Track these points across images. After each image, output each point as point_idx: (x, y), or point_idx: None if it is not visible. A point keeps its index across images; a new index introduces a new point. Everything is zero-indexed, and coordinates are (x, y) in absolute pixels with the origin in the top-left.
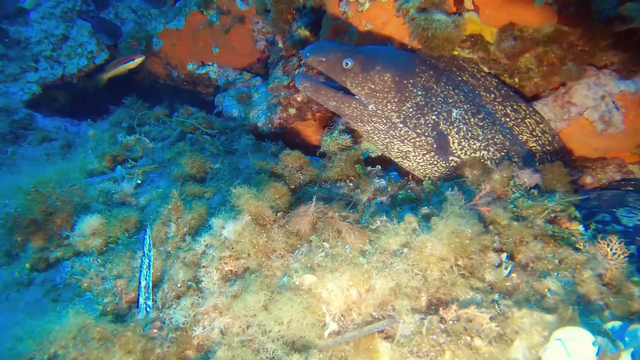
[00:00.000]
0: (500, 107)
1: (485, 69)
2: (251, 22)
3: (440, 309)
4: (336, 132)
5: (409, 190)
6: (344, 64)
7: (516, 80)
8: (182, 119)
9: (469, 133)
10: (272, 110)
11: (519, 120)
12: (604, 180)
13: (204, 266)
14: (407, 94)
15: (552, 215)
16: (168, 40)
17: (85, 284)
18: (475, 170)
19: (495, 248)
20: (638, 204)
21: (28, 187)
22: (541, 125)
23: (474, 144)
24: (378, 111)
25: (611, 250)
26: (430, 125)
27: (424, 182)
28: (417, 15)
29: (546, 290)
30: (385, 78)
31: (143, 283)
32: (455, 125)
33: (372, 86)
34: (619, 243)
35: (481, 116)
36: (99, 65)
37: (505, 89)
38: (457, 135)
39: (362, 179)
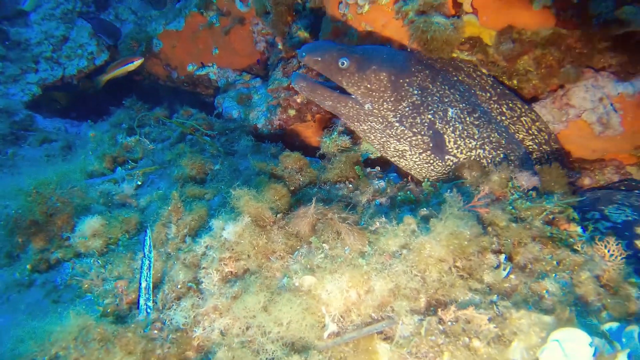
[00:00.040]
0: (495, 105)
1: (484, 71)
2: (251, 23)
3: (439, 310)
4: (335, 133)
5: (408, 192)
6: (339, 63)
7: (515, 82)
8: (182, 120)
9: (465, 132)
10: (271, 111)
11: (515, 118)
12: (602, 181)
13: (204, 267)
14: (403, 93)
15: (550, 216)
16: (168, 42)
17: (86, 285)
18: (473, 172)
19: (494, 249)
20: (627, 201)
21: (29, 188)
22: (537, 124)
23: (470, 142)
24: (374, 110)
25: (609, 251)
26: (426, 124)
27: (423, 184)
28: (416, 18)
29: (544, 291)
30: (381, 77)
31: (143, 284)
32: (451, 124)
33: (368, 85)
34: (616, 245)
35: (477, 115)
36: (99, 66)
37: (501, 87)
38: (453, 134)
39: (361, 181)
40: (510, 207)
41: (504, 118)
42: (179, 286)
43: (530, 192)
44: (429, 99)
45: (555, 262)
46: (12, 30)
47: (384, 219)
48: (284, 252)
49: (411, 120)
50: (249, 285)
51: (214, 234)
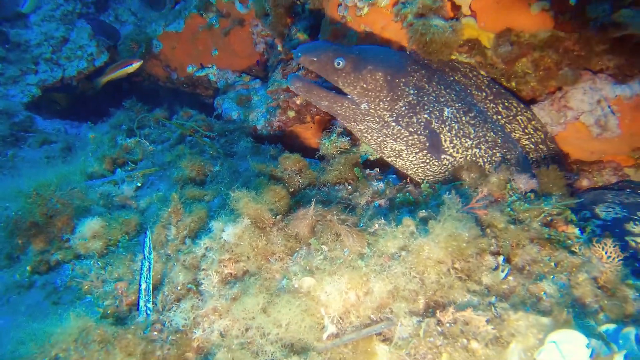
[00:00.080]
0: (491, 105)
1: (483, 73)
2: (250, 25)
3: (438, 311)
4: (334, 135)
5: (407, 194)
6: (335, 63)
7: (513, 84)
8: (181, 121)
9: (461, 131)
10: (271, 113)
11: (511, 117)
12: (600, 183)
13: (203, 269)
14: (399, 93)
15: (549, 218)
16: (168, 43)
17: (86, 287)
18: (472, 174)
19: (492, 251)
20: (616, 200)
21: (29, 190)
22: (533, 122)
23: (466, 142)
24: (371, 110)
25: (606, 253)
26: (422, 123)
27: (422, 185)
28: (415, 20)
29: (542, 293)
30: (377, 77)
31: (143, 286)
32: (447, 123)
33: (364, 85)
34: (614, 246)
35: (473, 114)
36: (99, 67)
37: (497, 86)
38: (449, 134)
39: (360, 182)
40: (509, 209)
41: (500, 117)
42: (179, 288)
43: (529, 194)
44: (425, 98)
45: (553, 264)
46: (12, 32)
47: (383, 220)
48: (283, 253)
49: (407, 119)
50: (248, 286)
51: (213, 235)
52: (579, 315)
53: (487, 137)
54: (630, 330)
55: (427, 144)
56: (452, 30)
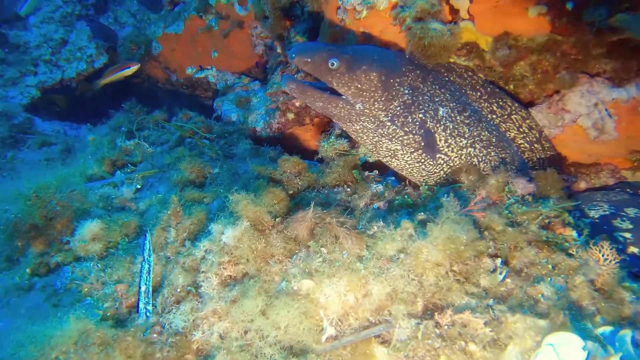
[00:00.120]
0: (486, 104)
1: (481, 75)
2: (250, 27)
3: (436, 314)
4: (333, 137)
5: (406, 196)
6: (329, 64)
7: (511, 87)
8: (181, 123)
9: (456, 130)
10: (270, 114)
11: (505, 116)
12: (598, 185)
13: (203, 271)
14: (394, 93)
15: (546, 221)
16: (167, 45)
17: (86, 289)
18: (471, 176)
19: (490, 254)
20: (605, 198)
21: (28, 192)
22: (527, 121)
23: (461, 141)
24: (365, 110)
25: (603, 256)
26: (417, 123)
27: (420, 188)
28: (413, 24)
29: (539, 295)
30: (372, 77)
31: (143, 288)
32: (442, 123)
33: (359, 85)
34: (610, 249)
35: (467, 114)
36: (98, 69)
37: (491, 86)
38: (444, 133)
39: (359, 184)
40: (507, 212)
41: (494, 116)
42: (179, 290)
43: (527, 196)
44: (420, 98)
45: (550, 266)
46: (11, 33)
47: (381, 223)
48: (282, 256)
49: (402, 119)
50: (247, 289)
51: (213, 238)
52: (576, 317)
53: (481, 136)
54: (627, 333)
55: (422, 144)
56: (451, 34)
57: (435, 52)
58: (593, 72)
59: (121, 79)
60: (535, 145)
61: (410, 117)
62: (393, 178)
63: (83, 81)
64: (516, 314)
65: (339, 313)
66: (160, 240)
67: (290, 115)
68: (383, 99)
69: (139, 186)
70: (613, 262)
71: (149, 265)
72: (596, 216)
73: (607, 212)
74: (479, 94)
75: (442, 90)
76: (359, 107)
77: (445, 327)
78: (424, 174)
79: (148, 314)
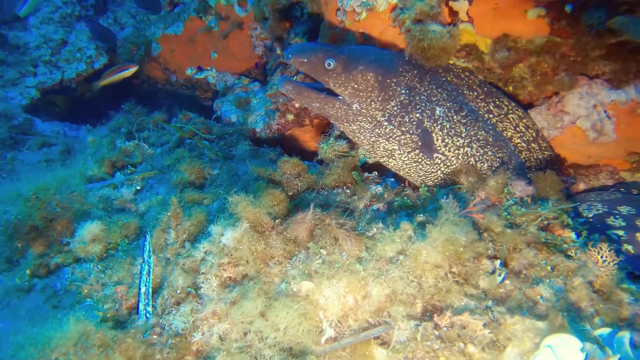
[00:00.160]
0: (483, 104)
1: (480, 77)
2: (249, 28)
3: (435, 315)
4: (332, 138)
5: (405, 197)
6: (326, 64)
7: (510, 88)
8: (180, 124)
9: (453, 130)
10: (270, 116)
11: (502, 116)
12: (596, 186)
13: (203, 273)
14: (390, 93)
15: (545, 222)
16: (167, 46)
17: (86, 291)
18: (470, 177)
19: (489, 255)
20: (598, 198)
21: (28, 193)
22: (524, 121)
23: (458, 140)
24: (362, 110)
25: (602, 257)
26: (414, 123)
27: (420, 189)
28: (412, 26)
29: (538, 297)
30: (368, 77)
31: (143, 289)
32: (438, 122)
33: (355, 86)
34: (609, 251)
35: (464, 113)
36: (98, 70)
37: (488, 85)
38: (440, 133)
39: (359, 186)
40: (506, 213)
41: (491, 116)
42: (178, 291)
43: (526, 198)
44: (417, 98)
45: (549, 268)
46: (10, 34)
47: (381, 224)
48: (282, 257)
49: (400, 119)
50: (247, 290)
51: (212, 239)
52: (575, 319)
53: (478, 136)
54: (625, 334)
55: (420, 143)
56: (450, 36)
57: (434, 54)
58: (592, 74)
59: (119, 80)
60: (532, 144)
61: (407, 116)
62: (392, 179)
63: (83, 82)
64: (515, 315)
65: (339, 314)
66: (160, 242)
67: (290, 117)
68: (380, 98)
69: (138, 187)
70: (611, 263)
71: (149, 266)
72: (590, 215)
73: (601, 211)
74: (475, 93)
75: (439, 90)
76: (356, 107)
77: (445, 328)
78: (422, 174)
79: (148, 315)
